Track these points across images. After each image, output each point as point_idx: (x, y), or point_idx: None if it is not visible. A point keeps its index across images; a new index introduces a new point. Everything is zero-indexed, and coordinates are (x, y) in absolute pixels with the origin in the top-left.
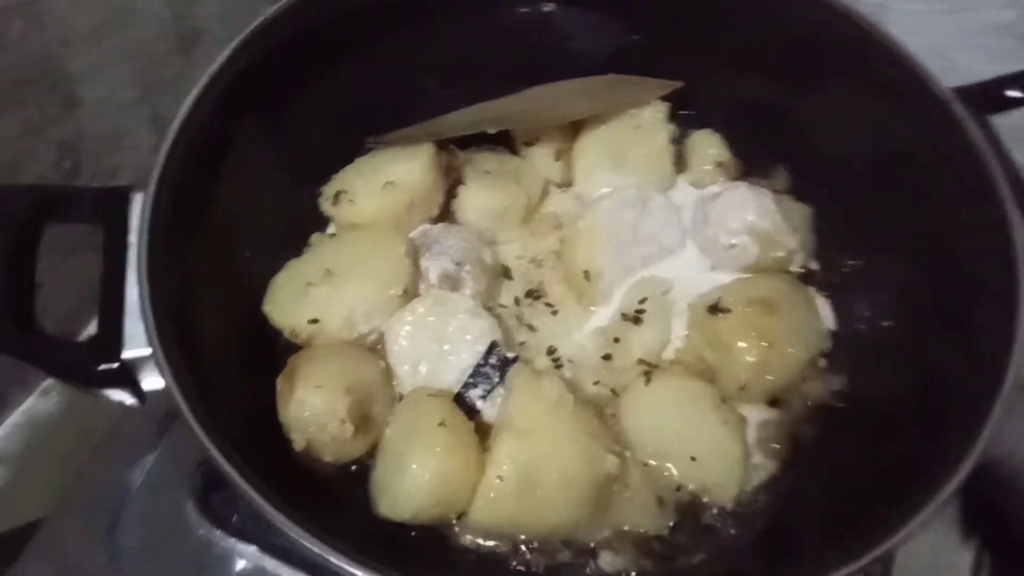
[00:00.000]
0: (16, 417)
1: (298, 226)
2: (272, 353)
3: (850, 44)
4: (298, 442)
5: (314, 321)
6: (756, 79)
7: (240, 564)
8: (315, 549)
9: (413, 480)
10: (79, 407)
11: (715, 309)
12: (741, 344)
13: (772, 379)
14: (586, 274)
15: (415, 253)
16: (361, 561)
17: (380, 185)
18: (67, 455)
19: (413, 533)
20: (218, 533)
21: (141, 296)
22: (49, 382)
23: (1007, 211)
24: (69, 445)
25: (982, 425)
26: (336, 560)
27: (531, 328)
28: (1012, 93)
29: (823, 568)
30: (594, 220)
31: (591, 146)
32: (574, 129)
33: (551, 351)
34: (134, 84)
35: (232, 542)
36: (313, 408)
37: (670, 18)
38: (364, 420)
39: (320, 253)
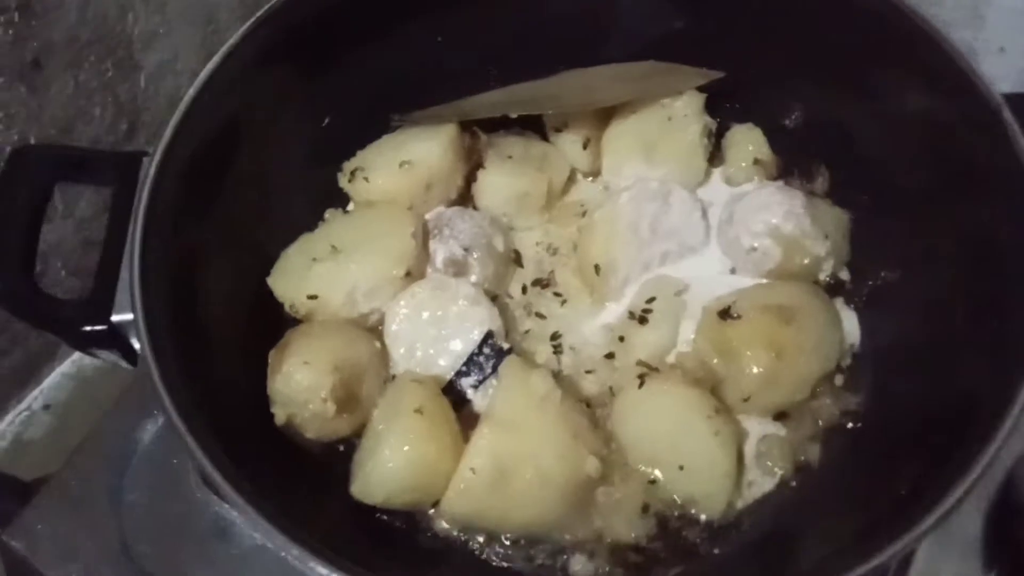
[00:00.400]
0: (66, 367)
1: (323, 202)
2: (276, 327)
3: (903, 42)
4: (279, 416)
5: (313, 297)
6: (803, 75)
7: (234, 530)
8: (260, 528)
9: (384, 465)
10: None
11: (726, 314)
12: (749, 353)
13: (779, 392)
14: (596, 268)
15: (425, 235)
16: (320, 553)
17: (397, 164)
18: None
19: (387, 517)
20: (215, 498)
21: (131, 261)
22: None
23: None
24: (113, 397)
25: (984, 451)
26: (289, 546)
27: (540, 316)
28: None
29: None
30: (612, 212)
31: (621, 135)
32: (605, 117)
33: (555, 337)
34: (195, 50)
35: (226, 508)
36: (297, 384)
37: (718, 4)
38: (349, 400)
39: (330, 229)
